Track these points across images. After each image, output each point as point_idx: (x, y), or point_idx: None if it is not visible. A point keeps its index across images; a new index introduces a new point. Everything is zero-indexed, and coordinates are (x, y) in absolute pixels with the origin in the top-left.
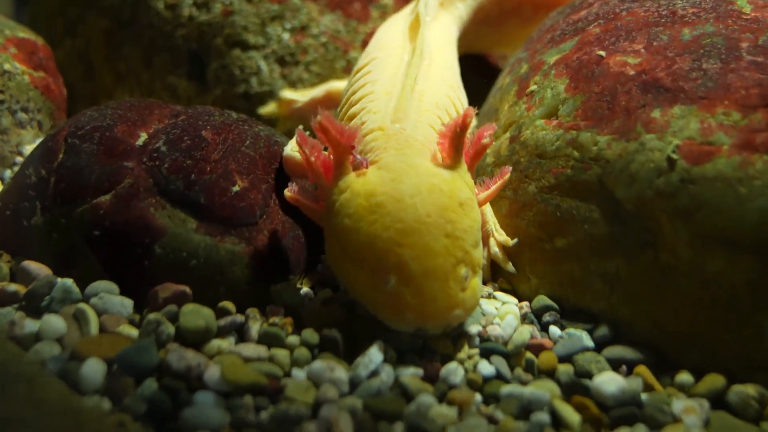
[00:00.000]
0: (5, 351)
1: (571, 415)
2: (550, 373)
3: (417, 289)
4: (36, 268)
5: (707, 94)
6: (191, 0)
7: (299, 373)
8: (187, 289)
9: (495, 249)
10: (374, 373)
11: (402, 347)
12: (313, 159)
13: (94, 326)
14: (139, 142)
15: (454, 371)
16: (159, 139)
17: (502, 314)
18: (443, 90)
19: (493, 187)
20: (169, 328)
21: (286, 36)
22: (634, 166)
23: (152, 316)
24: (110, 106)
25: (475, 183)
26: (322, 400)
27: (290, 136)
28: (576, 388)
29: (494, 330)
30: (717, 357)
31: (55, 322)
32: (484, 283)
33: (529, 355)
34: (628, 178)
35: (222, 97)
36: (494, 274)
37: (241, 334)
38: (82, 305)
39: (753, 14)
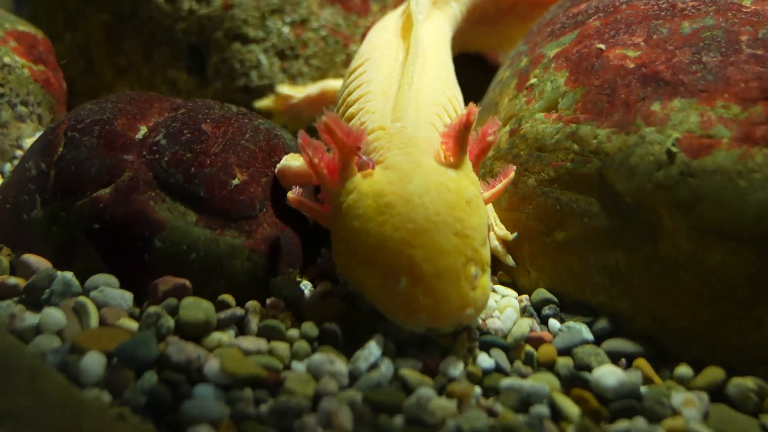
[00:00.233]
0: (5, 344)
1: (570, 407)
2: (550, 366)
3: (429, 289)
4: (36, 261)
5: (707, 87)
6: None
7: (299, 366)
8: (187, 282)
9: (495, 243)
10: (374, 366)
11: (401, 340)
12: (317, 161)
13: (94, 319)
14: (139, 135)
15: (453, 364)
16: (159, 133)
17: (501, 307)
18: (439, 87)
19: (499, 186)
20: (169, 321)
21: (286, 29)
22: (634, 159)
23: (152, 309)
24: (110, 100)
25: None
26: (322, 393)
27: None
28: (575, 381)
29: (494, 323)
30: (716, 350)
31: (55, 315)
32: None
33: (528, 348)
34: (627, 171)
35: (222, 90)
36: (494, 268)
37: (240, 327)
38: (82, 298)
39: (753, 7)
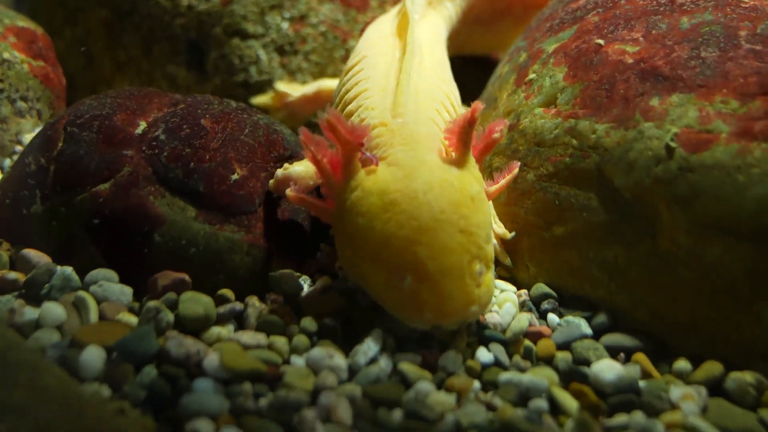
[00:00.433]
0: (5, 338)
1: (569, 402)
2: (549, 361)
3: (434, 286)
4: (36, 256)
5: (706, 82)
6: None
7: (298, 361)
8: (187, 277)
9: (493, 241)
10: (373, 361)
11: (400, 335)
12: (320, 157)
13: (93, 314)
14: (139, 130)
15: (452, 358)
16: (158, 128)
17: (500, 302)
18: (437, 84)
19: (502, 182)
20: (169, 316)
21: (285, 25)
22: (633, 154)
23: (151, 303)
24: (109, 95)
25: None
26: (321, 387)
27: None
28: (574, 376)
29: (493, 317)
30: (715, 345)
31: (54, 310)
32: None
33: (527, 342)
34: (626, 166)
35: (221, 86)
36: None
37: (240, 321)
38: (82, 293)
39: (751, 2)
